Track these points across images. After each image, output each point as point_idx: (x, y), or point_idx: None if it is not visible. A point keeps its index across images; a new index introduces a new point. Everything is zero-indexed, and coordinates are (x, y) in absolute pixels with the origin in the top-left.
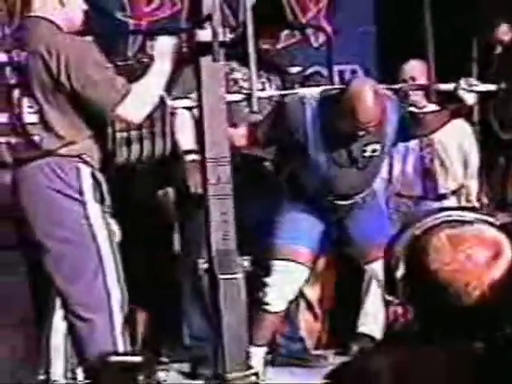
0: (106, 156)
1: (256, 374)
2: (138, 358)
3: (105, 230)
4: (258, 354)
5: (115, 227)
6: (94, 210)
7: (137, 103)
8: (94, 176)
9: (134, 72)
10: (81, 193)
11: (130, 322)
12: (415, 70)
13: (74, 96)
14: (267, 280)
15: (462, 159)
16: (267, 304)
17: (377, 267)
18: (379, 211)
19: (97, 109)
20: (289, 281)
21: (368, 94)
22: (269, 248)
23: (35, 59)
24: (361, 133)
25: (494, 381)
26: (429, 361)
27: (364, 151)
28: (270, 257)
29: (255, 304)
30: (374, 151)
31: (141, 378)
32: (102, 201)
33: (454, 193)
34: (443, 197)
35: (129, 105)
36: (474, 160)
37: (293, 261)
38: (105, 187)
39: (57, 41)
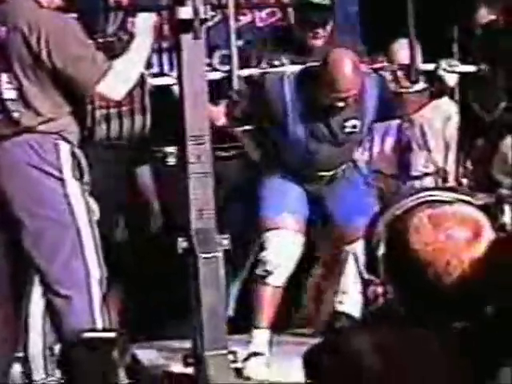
0: (87, 133)
1: (233, 353)
2: (111, 334)
3: (84, 208)
4: (261, 337)
5: (94, 204)
6: (73, 187)
7: (117, 80)
8: (73, 153)
9: (115, 49)
10: (60, 170)
11: (109, 300)
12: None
13: (54, 72)
14: (262, 254)
15: (444, 143)
16: (266, 277)
17: (356, 247)
18: (361, 192)
19: (77, 86)
20: (283, 250)
21: (347, 63)
22: (256, 222)
23: (15, 35)
24: (340, 104)
25: (475, 359)
26: (411, 340)
27: (344, 127)
28: (260, 230)
29: (254, 281)
30: (353, 127)
31: (115, 353)
32: (81, 178)
33: (429, 174)
34: (418, 177)
35: (109, 82)
36: (454, 146)
37: (283, 229)
38: (84, 164)
39: (37, 17)
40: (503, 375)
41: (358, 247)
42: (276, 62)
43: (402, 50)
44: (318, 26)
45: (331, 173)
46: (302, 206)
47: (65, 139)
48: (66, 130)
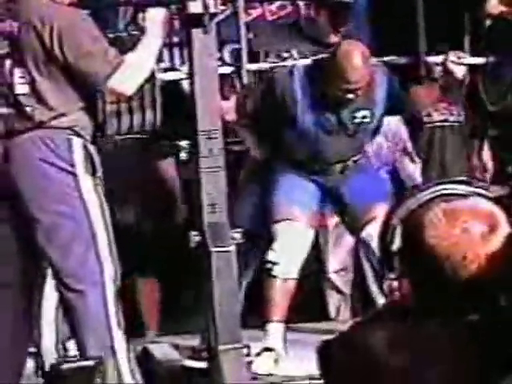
0: (97, 128)
1: (247, 347)
2: (90, 362)
3: (97, 203)
4: (274, 331)
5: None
6: (86, 182)
7: (128, 75)
8: (85, 148)
9: (125, 44)
10: (72, 165)
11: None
12: None
13: (67, 67)
14: (272, 246)
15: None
16: (272, 269)
17: (373, 231)
18: (374, 178)
19: (89, 80)
20: (291, 242)
21: (356, 54)
22: (267, 214)
23: (28, 30)
24: (350, 96)
25: (491, 353)
26: (426, 335)
27: (354, 117)
28: (270, 222)
29: (263, 274)
30: (364, 117)
31: (98, 380)
32: (93, 173)
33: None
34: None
35: (121, 77)
36: (407, 138)
37: (292, 221)
38: (96, 159)
39: (50, 12)
40: None
41: (374, 230)
42: (285, 55)
43: None
44: (343, 24)
45: (342, 164)
46: (313, 199)
47: (77, 134)
48: (79, 125)
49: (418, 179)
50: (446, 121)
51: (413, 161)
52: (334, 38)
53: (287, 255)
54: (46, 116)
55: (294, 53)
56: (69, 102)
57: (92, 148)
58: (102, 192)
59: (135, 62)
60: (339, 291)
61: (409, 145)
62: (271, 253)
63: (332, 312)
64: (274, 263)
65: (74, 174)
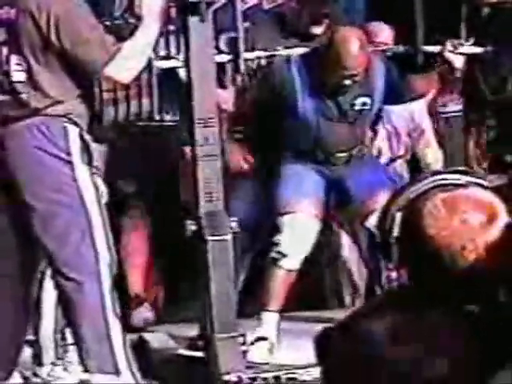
0: (94, 116)
1: (243, 336)
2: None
3: (93, 192)
4: (270, 321)
5: (103, 188)
6: (82, 170)
7: (126, 63)
8: (81, 137)
9: (122, 32)
10: (68, 153)
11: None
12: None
13: (63, 55)
14: (276, 237)
15: (411, 126)
16: (279, 260)
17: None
18: (378, 168)
19: (86, 68)
20: (298, 234)
21: (353, 40)
22: (273, 206)
23: (25, 17)
24: (348, 82)
25: (490, 343)
26: (425, 324)
27: (353, 104)
28: (276, 214)
29: (267, 264)
30: (363, 104)
31: None
32: (89, 162)
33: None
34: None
35: (118, 65)
36: (428, 128)
37: (298, 213)
38: (92, 148)
39: None
40: None
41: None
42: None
43: (381, 31)
44: (324, 17)
45: (345, 154)
46: (318, 190)
47: (73, 122)
48: (75, 113)
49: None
50: (459, 111)
51: (435, 151)
52: (317, 29)
53: (293, 247)
54: (42, 103)
55: (281, 49)
56: (65, 89)
57: (88, 137)
58: (99, 181)
59: (132, 49)
60: (353, 284)
61: (431, 134)
62: (278, 244)
63: (347, 301)
64: (283, 255)
65: (70, 163)
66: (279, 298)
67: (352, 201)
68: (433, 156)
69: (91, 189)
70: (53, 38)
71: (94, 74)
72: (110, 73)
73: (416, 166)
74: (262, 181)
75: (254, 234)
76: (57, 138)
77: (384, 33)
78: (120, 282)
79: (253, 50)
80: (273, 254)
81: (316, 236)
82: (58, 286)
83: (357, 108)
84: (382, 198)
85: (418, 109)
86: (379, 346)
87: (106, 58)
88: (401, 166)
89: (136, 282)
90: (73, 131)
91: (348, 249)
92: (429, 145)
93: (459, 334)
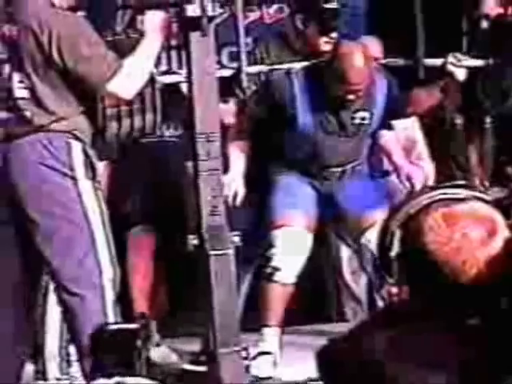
0: (97, 132)
1: (246, 350)
2: (133, 325)
3: (96, 207)
4: (271, 335)
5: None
6: (86, 186)
7: (128, 79)
8: (85, 152)
9: (124, 47)
10: (72, 169)
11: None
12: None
13: (66, 72)
14: (270, 251)
15: (404, 138)
16: (274, 274)
17: (372, 236)
18: (372, 184)
19: (88, 85)
20: (291, 247)
21: (357, 55)
22: (265, 218)
23: (27, 35)
24: (351, 97)
25: (492, 356)
26: (427, 338)
27: (353, 118)
28: (268, 227)
29: (263, 279)
30: (363, 119)
31: (138, 343)
32: (93, 177)
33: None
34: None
35: (120, 81)
36: (420, 140)
37: (291, 226)
38: (96, 163)
39: (49, 17)
40: None
41: (373, 237)
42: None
43: (371, 45)
44: (333, 30)
45: (341, 169)
46: (312, 204)
47: (77, 138)
48: (78, 129)
49: (431, 182)
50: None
51: (427, 164)
52: (326, 47)
53: (287, 261)
54: (45, 120)
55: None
56: (68, 106)
57: (91, 152)
58: (102, 196)
59: (134, 66)
60: (354, 297)
61: (422, 147)
62: (272, 258)
63: (349, 315)
64: (276, 269)
65: (74, 178)
66: (277, 312)
67: (346, 216)
68: (425, 170)
69: (95, 204)
70: (55, 55)
71: (96, 91)
72: (113, 89)
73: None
74: (259, 193)
75: (255, 247)
76: (60, 153)
77: (373, 47)
78: (124, 298)
79: (255, 64)
80: (267, 268)
81: (310, 249)
82: (60, 301)
83: (356, 122)
84: (377, 213)
85: (411, 121)
86: (378, 360)
87: (108, 74)
88: (395, 180)
89: (140, 300)
90: (76, 146)
91: (347, 260)
92: (421, 157)
93: (461, 349)
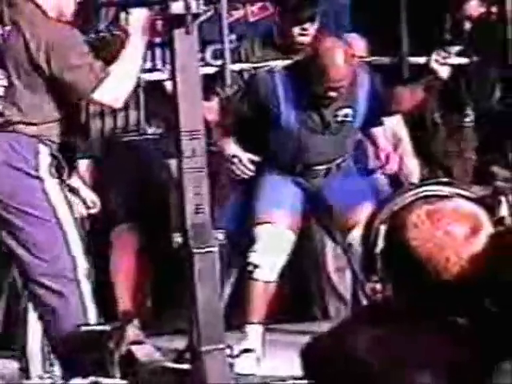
0: (66, 143)
1: (230, 347)
2: (106, 327)
3: (64, 202)
4: (254, 333)
5: (95, 199)
6: (52, 184)
7: (115, 87)
8: (52, 154)
9: (107, 45)
10: (36, 169)
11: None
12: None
13: (51, 79)
14: (253, 249)
15: (389, 135)
16: (255, 272)
17: (357, 234)
18: (358, 181)
19: (74, 93)
20: (273, 245)
21: (339, 52)
22: (248, 216)
23: (17, 36)
24: (333, 94)
25: (477, 355)
26: (410, 334)
27: (336, 115)
28: (251, 224)
29: (245, 276)
30: (345, 116)
31: (111, 345)
32: (59, 176)
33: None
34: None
35: (107, 89)
36: (405, 137)
37: (272, 224)
38: (63, 164)
39: (41, 26)
40: (504, 370)
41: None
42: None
43: (355, 42)
44: (305, 21)
45: (326, 166)
46: (295, 202)
47: (44, 144)
48: (47, 136)
49: (416, 179)
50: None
51: (412, 160)
52: (301, 39)
53: (268, 258)
54: (16, 117)
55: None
56: (43, 112)
57: (59, 154)
58: (68, 194)
59: (121, 72)
60: (338, 294)
61: (407, 144)
62: (252, 255)
63: (332, 312)
64: (256, 266)
65: (39, 178)
66: (260, 309)
67: (332, 213)
68: (410, 166)
69: (62, 200)
70: (42, 62)
71: (82, 99)
72: (99, 97)
73: (395, 176)
74: (243, 191)
75: (239, 244)
76: (26, 154)
77: (358, 44)
78: (108, 296)
79: (239, 61)
80: (249, 266)
81: (291, 247)
82: (33, 296)
83: (339, 119)
84: (363, 210)
85: (396, 118)
86: (362, 359)
87: (94, 83)
88: (380, 177)
89: (124, 298)
90: (43, 149)
91: (332, 258)
92: (406, 154)
93: (447, 346)
